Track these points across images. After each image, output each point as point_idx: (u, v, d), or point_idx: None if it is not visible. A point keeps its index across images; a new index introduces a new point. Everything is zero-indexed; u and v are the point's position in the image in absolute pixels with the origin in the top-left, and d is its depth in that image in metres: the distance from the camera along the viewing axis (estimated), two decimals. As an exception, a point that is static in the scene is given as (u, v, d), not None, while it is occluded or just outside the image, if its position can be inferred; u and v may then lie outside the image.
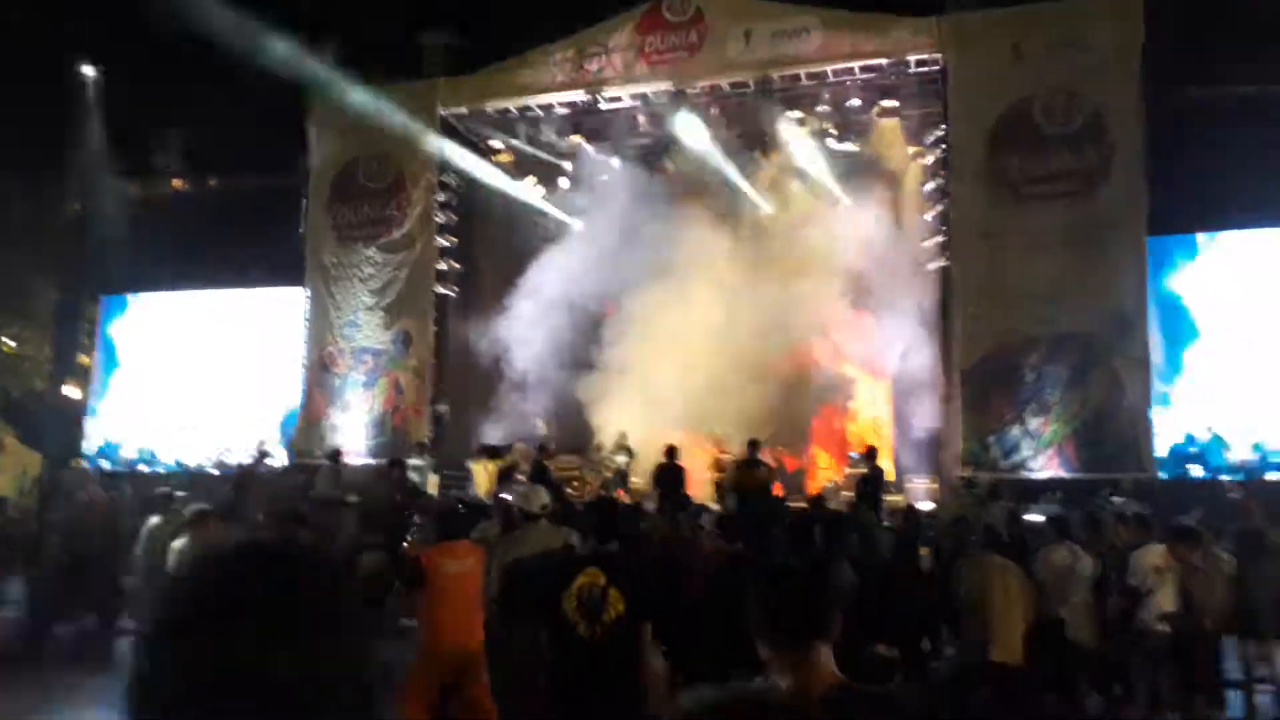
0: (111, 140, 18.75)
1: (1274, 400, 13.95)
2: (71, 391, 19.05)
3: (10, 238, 18.27)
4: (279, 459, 16.49)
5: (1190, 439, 14.10)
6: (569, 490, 13.04)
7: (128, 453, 18.66)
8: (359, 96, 17.16)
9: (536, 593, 5.39)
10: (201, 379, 18.88)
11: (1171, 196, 13.41)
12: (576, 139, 17.28)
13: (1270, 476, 13.29)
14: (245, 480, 14.16)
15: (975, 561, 6.89)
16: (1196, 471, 13.70)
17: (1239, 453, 13.83)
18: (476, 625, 5.88)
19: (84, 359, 19.23)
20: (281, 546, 1.17)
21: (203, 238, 17.88)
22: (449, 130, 17.23)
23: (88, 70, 18.68)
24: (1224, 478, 13.19)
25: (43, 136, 18.60)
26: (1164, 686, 7.42)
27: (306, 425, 17.10)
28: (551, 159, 18.05)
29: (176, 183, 19.46)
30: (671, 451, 12.75)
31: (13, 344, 20.34)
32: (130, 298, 19.52)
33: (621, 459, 14.63)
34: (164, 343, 19.36)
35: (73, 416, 18.69)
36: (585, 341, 17.15)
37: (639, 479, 14.62)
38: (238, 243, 17.79)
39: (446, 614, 5.79)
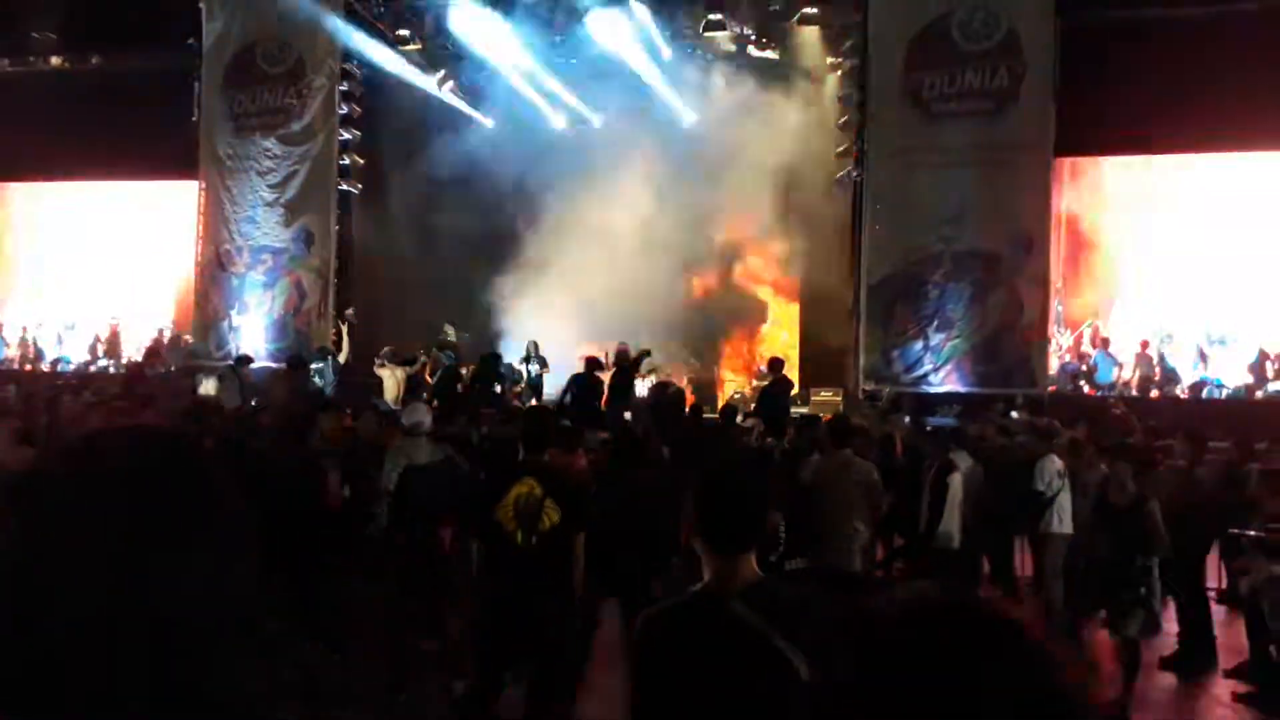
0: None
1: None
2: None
3: None
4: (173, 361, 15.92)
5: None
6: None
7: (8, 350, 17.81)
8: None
9: (450, 501, 5.63)
10: (86, 275, 17.97)
11: (1078, 118, 13.69)
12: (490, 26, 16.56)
13: (1153, 394, 14.06)
14: (134, 381, 13.69)
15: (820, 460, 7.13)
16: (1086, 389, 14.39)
17: (1128, 371, 14.56)
18: None
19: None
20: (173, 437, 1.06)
21: (86, 122, 16.73)
22: (353, 15, 16.34)
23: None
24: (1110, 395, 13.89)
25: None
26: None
27: (202, 326, 16.49)
28: (461, 49, 17.30)
29: (55, 60, 18.06)
30: (592, 363, 12.67)
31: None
32: (8, 186, 18.28)
33: (533, 368, 14.56)
34: (47, 235, 18.31)
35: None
36: (497, 244, 16.86)
37: (550, 390, 14.60)
38: (123, 129, 16.68)
39: None
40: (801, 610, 2.30)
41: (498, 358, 14.00)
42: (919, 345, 13.83)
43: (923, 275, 13.87)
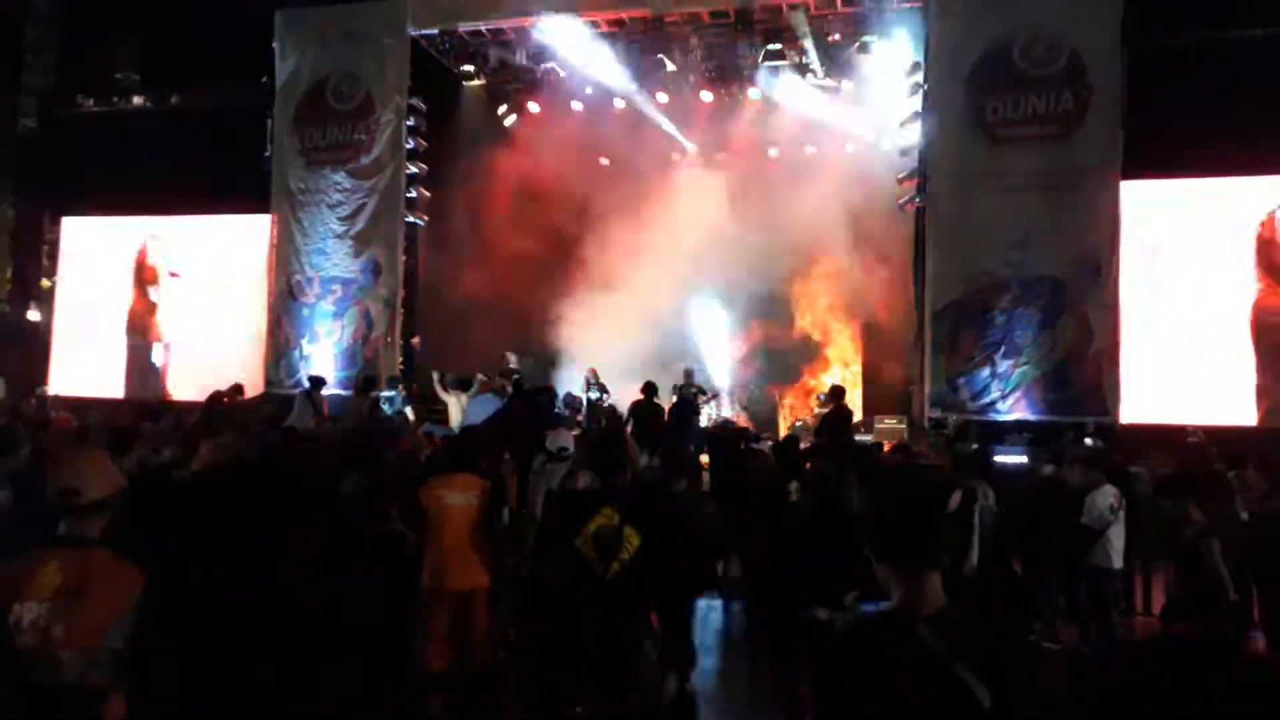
0: (71, 56, 18.07)
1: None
2: (33, 315, 18.64)
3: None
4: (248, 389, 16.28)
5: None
6: None
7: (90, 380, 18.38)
8: (328, 12, 16.73)
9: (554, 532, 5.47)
10: (163, 306, 18.51)
11: (1147, 141, 13.47)
12: (550, 64, 16.93)
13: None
14: (211, 408, 14.02)
15: None
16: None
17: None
18: (476, 561, 5.78)
19: (45, 282, 18.78)
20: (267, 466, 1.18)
21: (164, 159, 17.39)
22: (420, 51, 16.78)
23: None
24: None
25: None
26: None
27: (275, 355, 16.93)
28: (524, 84, 17.67)
29: (137, 99, 18.80)
30: (649, 388, 12.77)
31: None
32: (92, 220, 18.96)
33: (592, 395, 14.67)
34: (124, 268, 18.93)
35: (36, 341, 18.31)
36: (557, 274, 17.08)
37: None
38: (199, 164, 17.34)
39: (443, 550, 5.71)
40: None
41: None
42: (986, 372, 13.65)
43: (989, 301, 13.70)
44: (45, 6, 18.03)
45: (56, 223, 18.76)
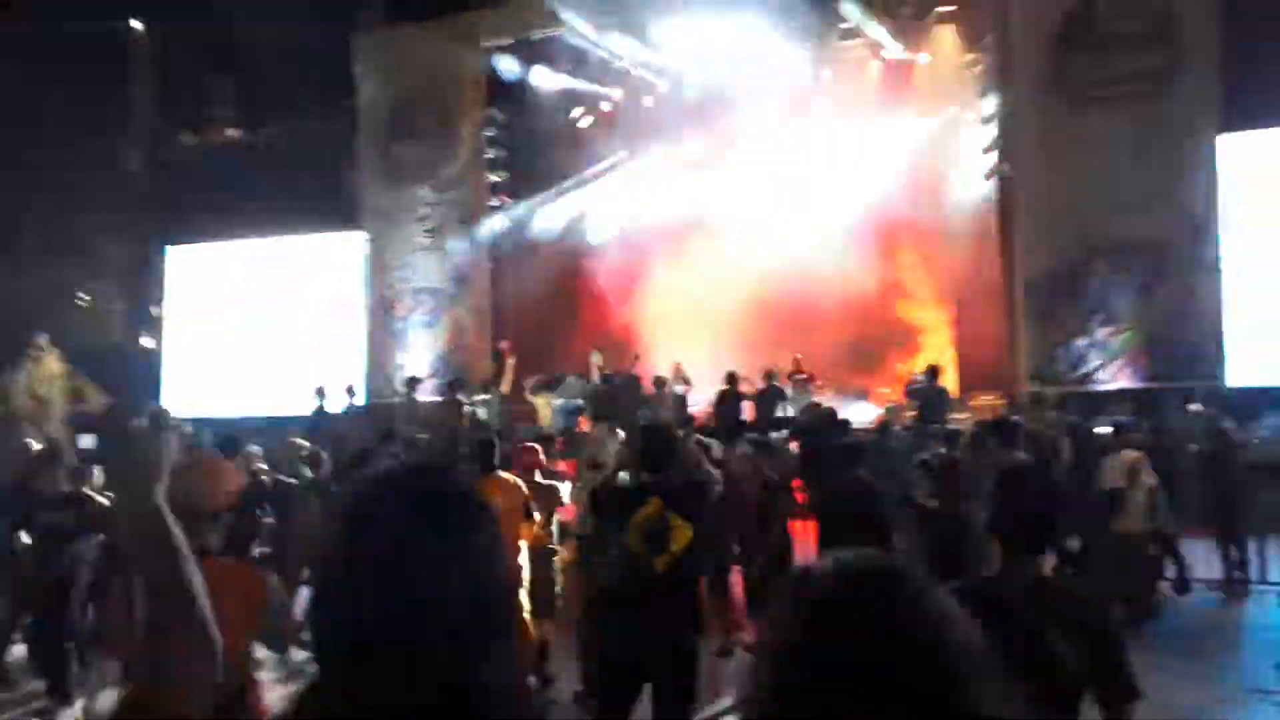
0: (168, 93, 19.02)
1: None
2: (147, 342, 19.59)
3: (77, 195, 18.70)
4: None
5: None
6: None
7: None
8: (404, 34, 17.19)
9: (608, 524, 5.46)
10: (262, 327, 19.19)
11: (1246, 93, 12.80)
12: (622, 64, 16.99)
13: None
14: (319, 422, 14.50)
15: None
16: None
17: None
18: (513, 564, 5.78)
19: (155, 310, 19.72)
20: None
21: (258, 185, 18.08)
22: (494, 64, 17.07)
23: (137, 26, 18.91)
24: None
25: (102, 95, 18.91)
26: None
27: (375, 367, 17.42)
28: (599, 88, 17.78)
29: (232, 132, 19.65)
30: (732, 378, 12.74)
31: (87, 299, 20.88)
32: (196, 248, 19.81)
33: (679, 388, 14.64)
34: (226, 291, 19.71)
35: (150, 368, 19.24)
36: (637, 271, 17.12)
37: (697, 408, 14.64)
38: (293, 188, 17.97)
39: None
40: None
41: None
42: (1083, 342, 13.18)
43: (1083, 269, 13.24)
44: (146, 53, 19.02)
45: (163, 254, 19.67)
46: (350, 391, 15.12)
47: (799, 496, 7.79)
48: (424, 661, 1.13)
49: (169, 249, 19.60)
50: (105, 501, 6.66)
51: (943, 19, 15.30)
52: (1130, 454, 7.86)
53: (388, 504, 1.21)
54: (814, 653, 1.02)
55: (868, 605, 1.04)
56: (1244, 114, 12.98)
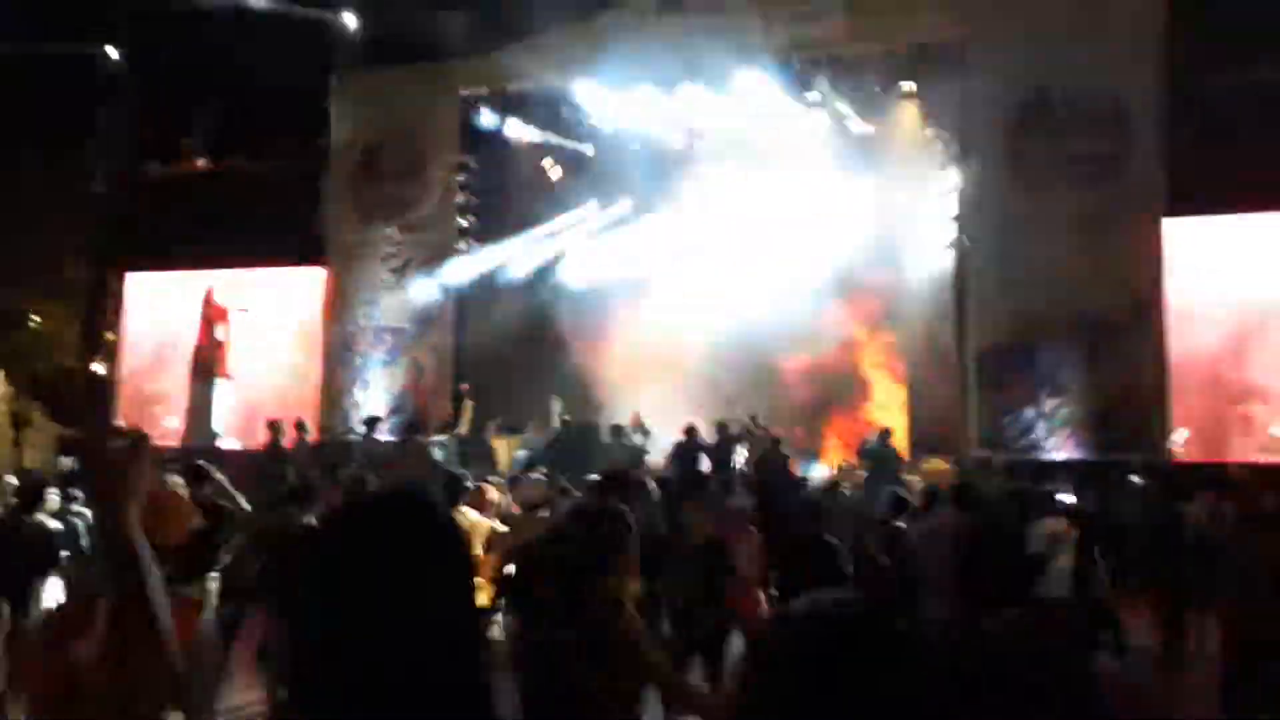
0: (138, 121, 19.00)
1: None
2: (99, 368, 19.31)
3: (37, 217, 18.55)
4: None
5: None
6: None
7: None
8: (381, 77, 17.40)
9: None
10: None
11: (1191, 179, 13.40)
12: (594, 121, 17.32)
13: None
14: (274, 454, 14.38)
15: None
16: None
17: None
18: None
19: (110, 335, 19.47)
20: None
21: (225, 216, 18.06)
22: (469, 111, 17.32)
23: (112, 54, 18.95)
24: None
25: (68, 118, 18.88)
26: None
27: (329, 403, 17.33)
28: (571, 142, 18.08)
29: (200, 162, 19.64)
30: (691, 430, 12.92)
31: (38, 319, 20.59)
32: (155, 275, 19.65)
33: (638, 439, 14.78)
34: (186, 320, 19.52)
35: (101, 393, 18.94)
36: (601, 320, 17.30)
37: (656, 459, 14.76)
38: (258, 221, 17.95)
39: None
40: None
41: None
42: (1031, 412, 13.57)
43: (1033, 340, 13.68)
44: (122, 78, 19.04)
45: (121, 279, 19.46)
46: (301, 426, 15.03)
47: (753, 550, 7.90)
48: (406, 697, 1.17)
49: (129, 275, 19.40)
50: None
51: (906, 95, 15.84)
52: (1052, 522, 7.94)
53: (367, 533, 1.25)
54: (803, 690, 1.06)
55: (857, 641, 1.08)
56: (1188, 200, 13.61)
